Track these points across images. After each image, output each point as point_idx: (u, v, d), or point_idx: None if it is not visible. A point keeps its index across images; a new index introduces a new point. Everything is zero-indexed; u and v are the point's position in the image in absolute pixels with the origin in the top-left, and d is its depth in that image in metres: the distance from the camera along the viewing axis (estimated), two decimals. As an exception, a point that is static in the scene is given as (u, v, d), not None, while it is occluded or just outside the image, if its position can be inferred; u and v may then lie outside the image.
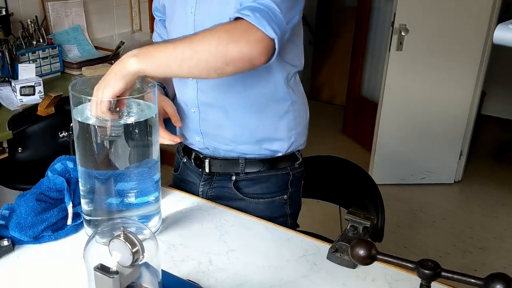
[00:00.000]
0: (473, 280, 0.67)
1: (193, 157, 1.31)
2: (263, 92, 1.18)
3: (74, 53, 2.59)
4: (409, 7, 2.95)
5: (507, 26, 0.68)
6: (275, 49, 0.98)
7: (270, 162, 1.25)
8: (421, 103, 3.17)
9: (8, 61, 2.15)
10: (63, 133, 2.02)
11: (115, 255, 0.70)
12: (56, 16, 2.58)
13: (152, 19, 2.92)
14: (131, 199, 1.03)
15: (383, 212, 1.49)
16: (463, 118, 3.22)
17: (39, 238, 1.05)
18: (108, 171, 1.01)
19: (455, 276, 0.68)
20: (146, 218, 1.06)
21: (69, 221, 1.08)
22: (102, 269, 0.69)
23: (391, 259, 0.73)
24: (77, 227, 1.09)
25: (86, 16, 2.73)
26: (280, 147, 1.24)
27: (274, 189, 1.27)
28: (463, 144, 3.30)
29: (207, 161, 1.27)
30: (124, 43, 2.61)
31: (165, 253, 1.03)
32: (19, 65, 2.14)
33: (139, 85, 1.03)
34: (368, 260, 0.74)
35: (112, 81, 0.94)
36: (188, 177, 1.35)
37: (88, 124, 0.96)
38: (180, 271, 0.97)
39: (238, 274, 0.97)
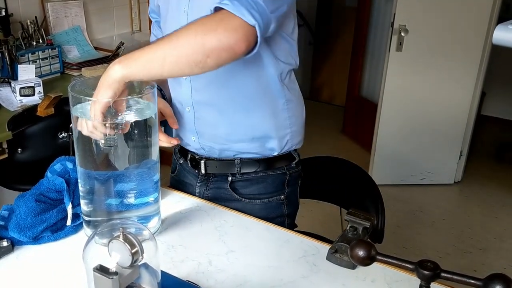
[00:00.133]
0: (472, 281, 0.67)
1: (189, 158, 1.31)
2: (257, 89, 1.17)
3: (73, 54, 2.59)
4: (408, 8, 2.95)
5: (507, 26, 0.68)
6: (257, 36, 0.97)
7: (266, 162, 1.25)
8: (421, 103, 3.17)
9: (8, 62, 2.14)
10: (63, 134, 2.02)
11: (115, 256, 0.70)
12: (55, 16, 2.58)
13: (152, 19, 2.91)
14: (131, 199, 1.03)
15: (384, 213, 1.48)
16: (463, 118, 3.22)
17: (39, 239, 1.05)
18: (108, 172, 1.01)
19: (455, 277, 0.68)
20: (145, 218, 1.06)
21: (69, 222, 1.08)
22: (102, 270, 0.69)
23: (390, 260, 0.73)
24: (76, 228, 1.09)
25: (85, 17, 2.73)
26: (275, 145, 1.24)
27: (271, 189, 1.27)
28: (463, 144, 3.30)
29: (202, 162, 1.27)
30: (124, 43, 2.61)
31: (165, 254, 1.02)
32: (18, 65, 2.14)
33: (137, 88, 1.03)
34: (367, 260, 0.73)
35: (100, 93, 0.95)
36: (185, 178, 1.35)
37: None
38: (179, 272, 0.97)
39: (238, 275, 0.97)
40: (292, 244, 1.08)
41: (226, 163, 1.25)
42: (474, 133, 3.38)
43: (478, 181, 3.49)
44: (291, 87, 1.23)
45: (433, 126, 3.22)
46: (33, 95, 2.07)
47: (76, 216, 1.09)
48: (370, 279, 0.97)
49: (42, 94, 2.09)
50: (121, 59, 0.97)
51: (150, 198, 1.06)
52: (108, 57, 2.57)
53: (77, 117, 0.97)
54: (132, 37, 3.01)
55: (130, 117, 0.99)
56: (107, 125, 0.95)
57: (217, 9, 0.97)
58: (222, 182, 1.27)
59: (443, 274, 0.69)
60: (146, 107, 1.01)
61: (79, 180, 1.04)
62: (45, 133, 2.00)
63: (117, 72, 0.95)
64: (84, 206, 1.04)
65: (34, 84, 2.08)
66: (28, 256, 1.02)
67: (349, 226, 1.05)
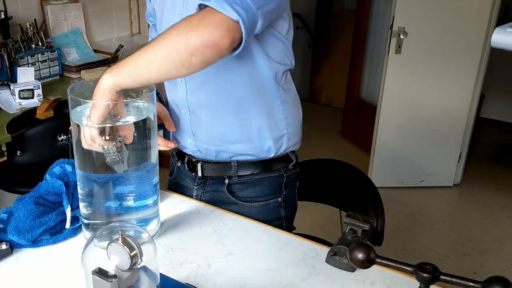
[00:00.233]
0: (472, 284, 0.67)
1: (186, 161, 1.31)
2: (251, 90, 1.17)
3: (73, 57, 2.59)
4: (407, 10, 2.95)
5: (505, 29, 0.68)
6: (241, 32, 0.96)
7: (263, 164, 1.25)
8: (420, 106, 3.17)
9: (7, 65, 2.14)
10: (62, 137, 2.02)
11: (113, 258, 0.70)
12: (55, 19, 2.58)
13: (151, 22, 2.91)
14: (130, 202, 1.03)
15: (383, 215, 1.48)
16: (462, 120, 3.22)
17: (38, 241, 1.04)
18: (107, 175, 1.01)
19: (454, 280, 0.68)
20: (144, 221, 1.06)
21: (68, 225, 1.07)
22: (100, 272, 0.69)
23: (389, 263, 0.73)
24: (75, 231, 1.09)
25: (85, 20, 2.73)
26: (271, 147, 1.23)
27: (268, 192, 1.27)
28: (462, 146, 3.30)
29: (199, 165, 1.27)
30: (123, 46, 2.61)
31: (164, 257, 1.02)
32: (18, 68, 2.14)
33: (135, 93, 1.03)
34: (366, 263, 0.73)
35: (94, 105, 0.96)
36: (183, 181, 1.35)
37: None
38: (178, 274, 0.97)
39: (237, 278, 0.97)
40: (291, 246, 1.08)
41: (223, 165, 1.25)
42: (473, 135, 3.39)
43: (477, 183, 3.49)
44: (287, 88, 1.23)
45: (433, 128, 3.22)
46: (32, 97, 2.07)
47: (75, 219, 1.09)
48: (370, 281, 0.97)
49: (42, 96, 2.08)
50: (111, 68, 0.97)
51: (149, 201, 1.06)
52: (108, 60, 2.57)
53: (77, 124, 0.97)
54: (131, 40, 3.02)
55: (128, 118, 0.99)
56: (105, 137, 0.95)
57: (202, 7, 0.97)
58: (219, 185, 1.27)
59: (442, 277, 0.69)
60: (145, 109, 1.01)
61: (78, 183, 1.04)
62: (44, 136, 1.99)
63: (106, 82, 0.96)
64: (83, 209, 1.04)
65: (34, 86, 2.08)
66: (27, 259, 1.02)
67: (348, 228, 1.05)
